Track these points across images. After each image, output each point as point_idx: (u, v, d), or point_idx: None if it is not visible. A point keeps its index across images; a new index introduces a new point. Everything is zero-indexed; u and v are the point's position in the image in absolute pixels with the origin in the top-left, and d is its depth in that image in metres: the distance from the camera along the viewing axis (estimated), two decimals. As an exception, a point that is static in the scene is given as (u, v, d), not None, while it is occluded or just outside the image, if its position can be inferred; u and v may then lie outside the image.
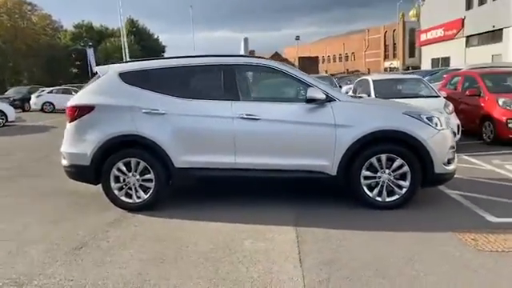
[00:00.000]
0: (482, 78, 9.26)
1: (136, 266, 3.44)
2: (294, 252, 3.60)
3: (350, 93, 10.68)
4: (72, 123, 4.93)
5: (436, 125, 4.62)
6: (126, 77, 4.92)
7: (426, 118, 4.62)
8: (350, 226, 4.17)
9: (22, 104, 25.51)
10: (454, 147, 4.76)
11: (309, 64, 48.75)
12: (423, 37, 32.41)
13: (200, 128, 4.72)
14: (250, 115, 4.62)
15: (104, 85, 4.97)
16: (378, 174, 4.59)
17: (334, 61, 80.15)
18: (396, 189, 4.59)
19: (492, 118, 8.44)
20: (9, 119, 16.58)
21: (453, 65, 22.47)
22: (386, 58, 66.98)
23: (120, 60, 55.63)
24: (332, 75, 28.98)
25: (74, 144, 4.92)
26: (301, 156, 4.63)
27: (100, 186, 4.94)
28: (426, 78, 12.39)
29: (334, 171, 4.60)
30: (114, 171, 4.81)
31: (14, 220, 4.75)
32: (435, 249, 3.59)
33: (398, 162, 4.54)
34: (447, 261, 3.35)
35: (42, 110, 24.65)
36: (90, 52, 40.46)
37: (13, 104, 21.20)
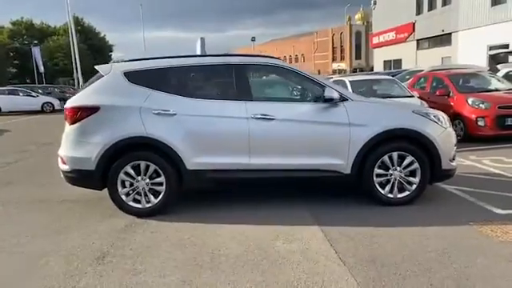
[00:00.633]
0: (450, 79, 9.81)
1: (175, 273, 3.29)
2: (331, 251, 3.61)
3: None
4: (73, 125, 4.61)
5: (442, 123, 4.83)
6: (131, 76, 4.70)
7: (433, 116, 4.82)
8: (371, 223, 4.25)
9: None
10: (456, 144, 5.00)
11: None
12: (375, 40, 33.83)
13: (213, 129, 4.61)
14: (264, 115, 4.58)
15: (108, 84, 4.70)
16: (390, 172, 4.71)
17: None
18: (406, 185, 4.74)
19: (462, 116, 8.96)
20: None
21: (405, 67, 23.65)
22: (334, 59, 69.04)
23: (63, 59, 53.11)
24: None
25: (77, 147, 4.61)
26: (316, 155, 4.65)
27: (85, 191, 4.76)
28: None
29: (348, 170, 4.66)
30: (122, 175, 4.57)
31: (9, 232, 4.36)
32: (462, 241, 3.74)
33: (409, 159, 4.68)
34: (478, 252, 3.50)
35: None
36: (36, 50, 38.24)
37: None
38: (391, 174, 4.72)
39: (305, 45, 75.34)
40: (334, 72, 57.47)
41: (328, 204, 4.91)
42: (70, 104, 4.71)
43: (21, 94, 24.59)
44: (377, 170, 4.70)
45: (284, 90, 5.70)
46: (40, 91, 26.99)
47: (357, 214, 4.57)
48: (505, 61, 13.16)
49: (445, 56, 23.84)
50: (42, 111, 24.47)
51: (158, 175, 4.59)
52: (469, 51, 21.52)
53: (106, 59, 69.95)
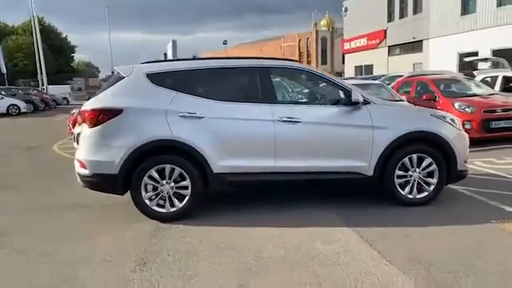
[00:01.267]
0: (435, 84, 10.21)
1: (227, 277, 3.25)
2: (373, 251, 3.67)
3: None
4: (94, 128, 4.45)
5: (457, 125, 5.04)
6: (155, 78, 4.60)
7: (449, 118, 5.02)
8: (399, 223, 4.35)
9: None
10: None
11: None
12: (347, 45, 34.65)
13: (240, 131, 4.59)
14: (290, 118, 4.61)
15: (131, 86, 4.58)
16: (409, 173, 4.86)
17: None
18: (425, 186, 4.90)
19: (449, 120, 9.33)
20: None
21: (376, 72, 24.36)
22: (300, 64, 69.89)
23: (22, 60, 50.77)
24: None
25: (98, 151, 4.46)
26: (340, 158, 4.72)
27: (98, 196, 4.69)
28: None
29: (370, 172, 4.76)
30: (146, 179, 4.46)
31: (31, 239, 4.16)
32: (490, 239, 3.91)
33: (427, 160, 4.84)
34: (510, 249, 3.68)
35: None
36: (-3, 50, 36.40)
37: None
38: (411, 176, 4.86)
39: (272, 49, 75.73)
40: (302, 76, 58.27)
41: (351, 205, 4.98)
42: (90, 106, 4.55)
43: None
44: (397, 172, 4.82)
45: (308, 93, 5.74)
46: (3, 93, 25.74)
47: (380, 214, 4.67)
48: (478, 68, 13.85)
49: (416, 62, 24.77)
50: (7, 114, 23.37)
51: (183, 179, 4.51)
52: (440, 58, 22.46)
53: (68, 60, 67.93)
